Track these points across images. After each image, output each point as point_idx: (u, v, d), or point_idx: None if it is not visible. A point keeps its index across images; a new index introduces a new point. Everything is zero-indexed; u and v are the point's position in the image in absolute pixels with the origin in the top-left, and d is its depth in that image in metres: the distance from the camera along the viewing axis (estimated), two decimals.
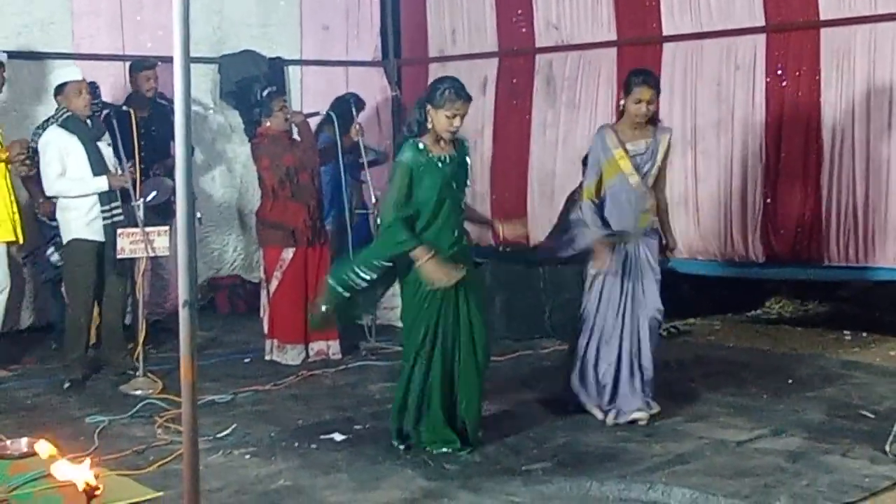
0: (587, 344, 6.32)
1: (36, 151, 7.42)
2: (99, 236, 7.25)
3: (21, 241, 7.51)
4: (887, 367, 7.63)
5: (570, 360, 6.43)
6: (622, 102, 6.28)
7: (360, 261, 5.62)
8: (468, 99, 5.60)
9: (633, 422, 6.17)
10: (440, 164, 5.57)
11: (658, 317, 6.29)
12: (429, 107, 5.55)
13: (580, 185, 8.10)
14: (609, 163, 6.21)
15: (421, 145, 5.56)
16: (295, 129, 8.23)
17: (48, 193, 7.37)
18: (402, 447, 5.71)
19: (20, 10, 8.86)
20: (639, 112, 6.15)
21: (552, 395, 6.73)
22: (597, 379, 6.30)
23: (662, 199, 6.45)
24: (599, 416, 6.25)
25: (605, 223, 6.23)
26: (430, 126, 5.57)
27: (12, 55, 8.61)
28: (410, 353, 5.69)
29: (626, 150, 6.19)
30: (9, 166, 7.42)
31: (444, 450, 5.65)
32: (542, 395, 6.83)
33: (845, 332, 8.77)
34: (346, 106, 9.05)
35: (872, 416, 6.25)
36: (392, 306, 9.24)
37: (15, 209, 7.39)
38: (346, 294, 5.60)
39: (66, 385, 7.20)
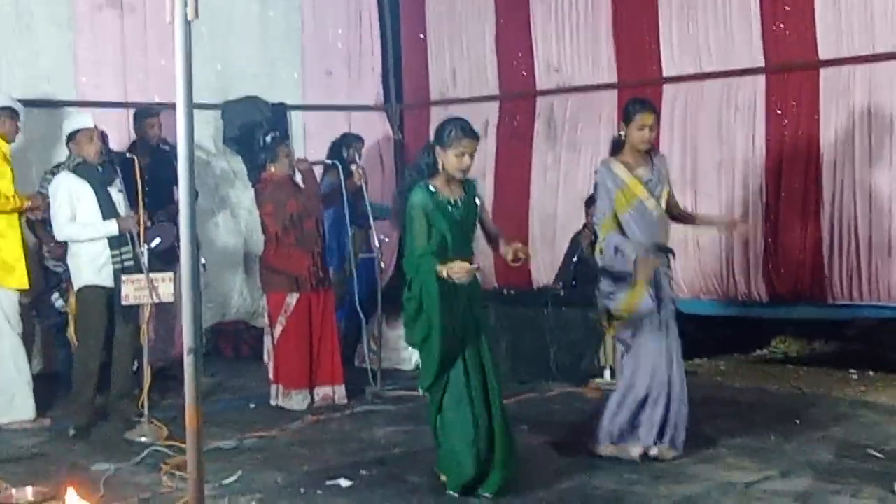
0: (645, 384, 6.27)
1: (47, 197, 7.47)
2: (109, 282, 7.27)
3: (29, 287, 7.53)
4: (895, 405, 7.60)
5: (620, 400, 6.35)
6: (622, 133, 6.30)
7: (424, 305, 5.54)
8: (476, 137, 5.64)
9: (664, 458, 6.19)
10: (450, 207, 5.58)
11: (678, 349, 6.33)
12: (437, 148, 5.57)
13: (584, 227, 8.13)
14: (623, 192, 6.22)
15: (431, 188, 5.57)
16: (299, 176, 8.25)
17: (58, 238, 7.41)
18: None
19: (25, 60, 8.91)
20: (643, 138, 6.19)
21: (559, 438, 6.71)
22: (650, 416, 6.25)
23: (682, 211, 6.54)
24: (636, 453, 6.21)
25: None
26: (440, 167, 5.59)
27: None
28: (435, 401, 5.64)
29: (637, 177, 6.22)
30: (21, 216, 7.46)
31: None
32: (549, 437, 6.80)
33: (852, 371, 8.75)
34: (337, 149, 9.16)
35: (881, 455, 6.22)
36: (397, 349, 9.28)
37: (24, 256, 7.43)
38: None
39: (72, 432, 7.18)
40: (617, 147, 6.37)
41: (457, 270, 5.36)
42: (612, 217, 6.27)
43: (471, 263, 5.66)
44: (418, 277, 5.51)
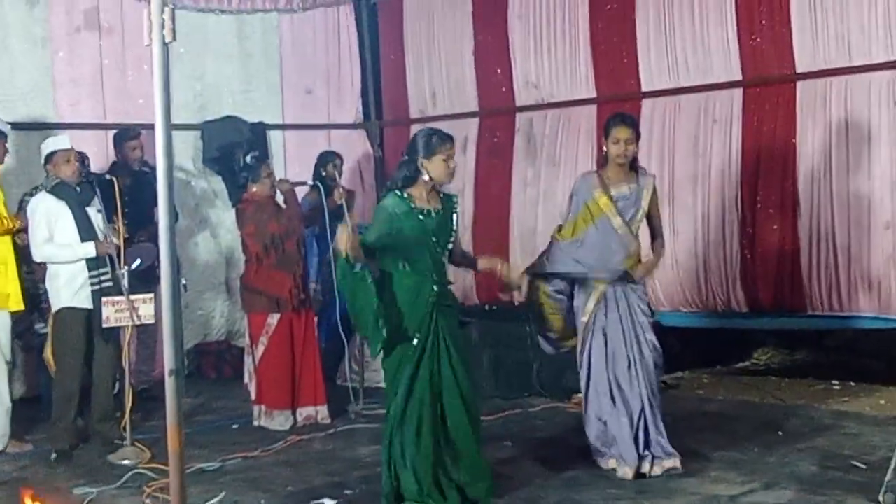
0: (602, 398, 6.31)
1: None
2: (87, 304, 7.24)
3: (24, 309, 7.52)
4: (877, 416, 7.64)
5: (585, 417, 6.41)
6: (605, 149, 6.36)
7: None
8: (452, 139, 5.73)
9: (668, 470, 6.20)
10: (421, 217, 5.61)
11: (658, 362, 6.35)
12: (421, 159, 5.58)
13: (558, 228, 8.14)
14: (590, 205, 6.31)
15: (405, 195, 5.60)
16: (280, 196, 8.25)
17: (36, 259, 7.39)
18: None
19: (2, 80, 8.91)
20: (618, 152, 6.25)
21: (543, 454, 6.71)
22: (618, 432, 6.26)
23: (660, 240, 6.53)
24: (623, 471, 6.21)
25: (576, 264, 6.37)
26: (425, 178, 5.60)
27: None
28: (396, 413, 5.63)
29: (609, 195, 6.25)
30: (15, 237, 7.45)
31: None
32: (533, 453, 6.80)
33: (833, 382, 8.78)
34: (316, 170, 9.20)
35: (864, 466, 6.24)
36: (378, 369, 9.26)
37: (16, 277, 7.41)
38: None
39: (54, 456, 7.14)
40: (602, 162, 6.43)
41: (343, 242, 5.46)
42: (572, 225, 6.38)
43: (444, 277, 5.67)
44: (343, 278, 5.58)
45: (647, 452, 6.24)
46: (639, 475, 6.18)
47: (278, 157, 10.47)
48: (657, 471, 6.20)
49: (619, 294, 6.32)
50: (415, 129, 10.60)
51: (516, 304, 9.62)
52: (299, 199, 8.64)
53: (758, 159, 8.48)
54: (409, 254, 5.58)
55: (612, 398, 6.29)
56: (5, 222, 7.34)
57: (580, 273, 6.37)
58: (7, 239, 7.37)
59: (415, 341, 5.57)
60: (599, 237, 6.30)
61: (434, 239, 5.66)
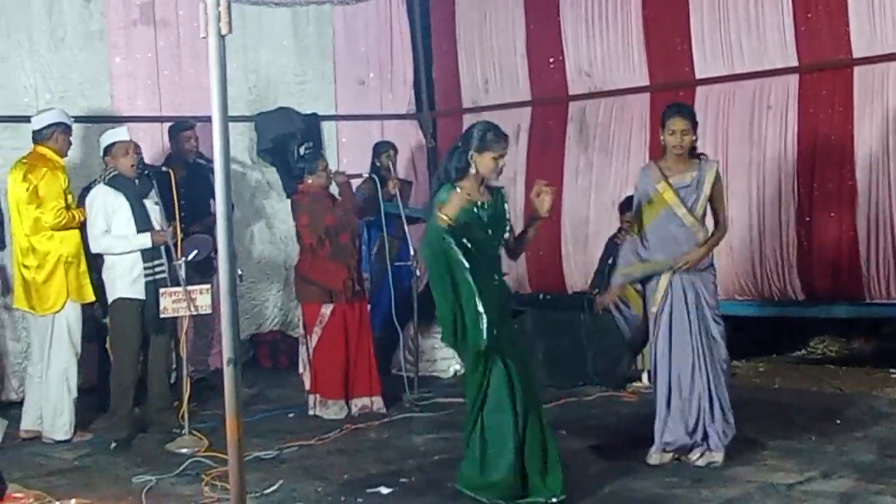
0: (668, 389, 6.29)
1: None
2: (142, 294, 7.33)
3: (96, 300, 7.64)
4: None
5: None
6: (662, 139, 6.33)
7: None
8: (507, 138, 5.69)
9: (710, 463, 6.17)
10: (475, 209, 5.59)
11: (723, 355, 6.30)
12: (472, 153, 5.58)
13: (619, 230, 8.16)
14: (654, 197, 6.28)
15: (458, 188, 5.58)
16: (335, 189, 8.29)
17: (93, 250, 7.47)
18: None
19: (60, 74, 9.02)
20: (674, 143, 6.22)
21: (599, 442, 6.70)
22: (684, 422, 6.24)
23: (719, 228, 6.45)
24: (656, 457, 6.22)
25: (640, 258, 6.35)
26: (472, 171, 5.59)
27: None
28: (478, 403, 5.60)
29: (669, 184, 6.23)
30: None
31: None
32: (589, 442, 6.79)
33: (892, 370, 8.68)
34: (372, 161, 9.29)
35: None
36: (433, 359, 9.30)
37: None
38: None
39: (113, 445, 7.24)
40: (663, 152, 6.40)
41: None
42: (638, 220, 6.38)
43: (503, 282, 5.69)
44: (438, 247, 5.48)
45: (703, 443, 6.22)
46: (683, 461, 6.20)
47: (331, 147, 10.51)
48: (701, 462, 6.17)
49: (686, 284, 6.26)
50: (467, 118, 10.65)
51: (570, 292, 9.64)
52: (354, 191, 8.69)
53: (814, 146, 8.40)
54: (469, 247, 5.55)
55: (670, 388, 6.26)
56: (76, 216, 7.44)
57: (649, 269, 6.33)
58: (77, 232, 7.48)
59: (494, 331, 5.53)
60: (665, 228, 6.27)
61: (490, 231, 5.65)
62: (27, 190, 7.38)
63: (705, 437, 6.22)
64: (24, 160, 7.54)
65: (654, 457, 6.24)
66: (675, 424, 6.22)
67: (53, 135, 7.54)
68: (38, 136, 7.54)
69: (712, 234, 6.39)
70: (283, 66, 10.36)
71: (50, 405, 7.44)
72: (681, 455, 6.24)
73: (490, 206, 5.66)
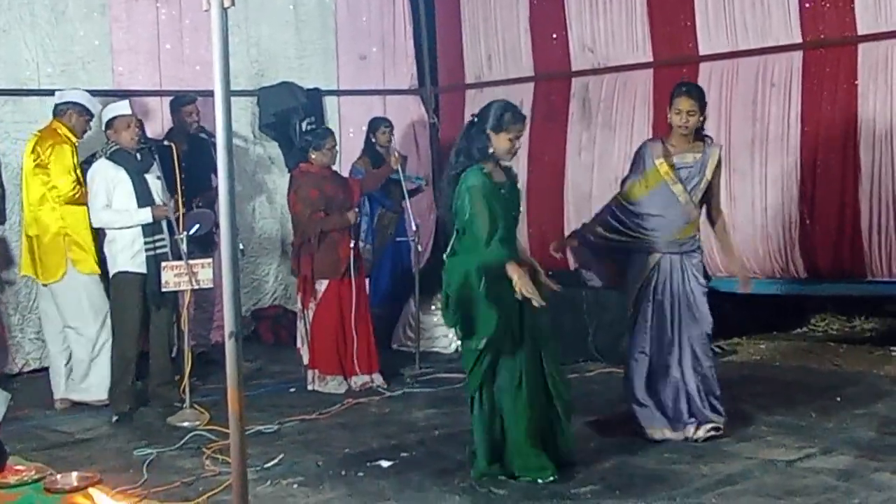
0: (646, 366, 6.32)
1: None
2: (143, 269, 7.33)
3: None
4: None
5: (627, 384, 6.43)
6: (669, 116, 6.31)
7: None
8: (525, 119, 5.70)
9: (709, 430, 6.20)
10: (501, 191, 5.58)
11: (707, 331, 6.31)
12: (488, 132, 5.55)
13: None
14: (650, 172, 6.30)
15: (486, 170, 5.55)
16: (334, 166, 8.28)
17: (94, 224, 7.49)
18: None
19: (61, 48, 8.99)
20: (680, 123, 6.22)
21: (599, 418, 6.72)
22: (660, 400, 6.29)
23: (720, 218, 6.49)
24: (668, 435, 6.23)
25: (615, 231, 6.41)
26: (490, 151, 5.57)
27: (53, 93, 8.76)
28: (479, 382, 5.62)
29: (671, 163, 6.23)
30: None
31: (537, 478, 5.57)
32: (589, 417, 6.80)
33: (892, 348, 8.68)
34: (367, 136, 9.44)
35: None
36: (433, 336, 9.30)
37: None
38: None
39: (114, 418, 7.26)
40: (671, 129, 6.39)
41: (527, 290, 5.40)
42: (632, 187, 6.40)
43: (518, 249, 5.69)
44: (480, 261, 5.45)
45: (692, 419, 6.24)
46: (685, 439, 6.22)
47: (333, 122, 10.49)
48: (700, 434, 6.19)
49: (674, 263, 6.29)
50: (470, 94, 10.64)
51: (572, 268, 9.63)
52: (350, 167, 8.70)
53: (817, 123, 8.38)
54: (498, 230, 5.53)
55: (651, 365, 6.29)
56: (85, 192, 7.48)
57: (636, 240, 6.34)
58: (83, 208, 7.54)
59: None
60: (658, 204, 6.27)
61: (512, 213, 5.65)
62: (34, 161, 7.56)
63: (692, 413, 6.25)
64: (39, 132, 7.72)
65: (659, 431, 6.27)
66: (656, 400, 6.28)
67: (67, 112, 7.69)
68: (55, 111, 7.73)
69: (720, 229, 6.42)
70: (284, 40, 10.32)
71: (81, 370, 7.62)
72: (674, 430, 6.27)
73: (507, 188, 5.65)
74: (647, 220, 6.32)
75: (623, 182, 6.56)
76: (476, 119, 5.65)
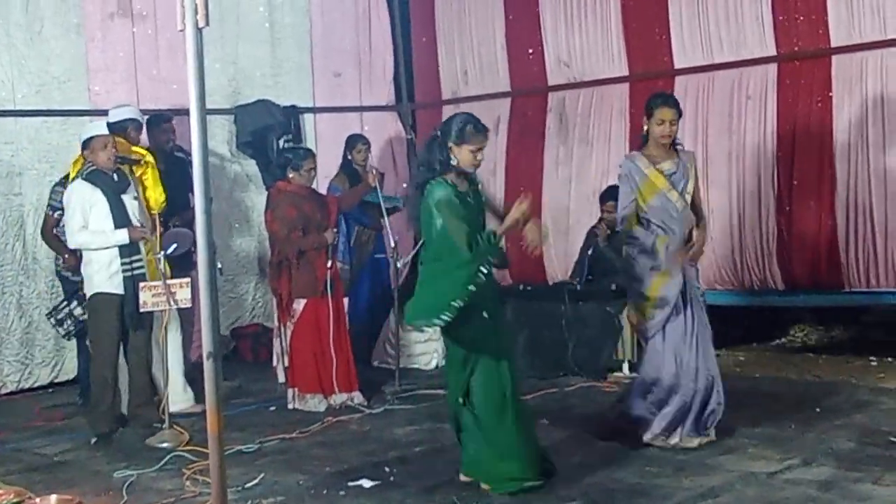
0: (668, 374, 6.34)
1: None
2: (121, 290, 7.29)
3: None
4: None
5: (639, 389, 6.45)
6: (645, 128, 6.36)
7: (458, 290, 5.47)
8: (487, 131, 5.70)
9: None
10: (468, 199, 5.63)
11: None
12: (450, 144, 5.58)
13: (599, 220, 8.19)
14: (646, 184, 6.31)
15: (449, 181, 5.58)
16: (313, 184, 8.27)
17: (70, 245, 7.46)
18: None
19: (38, 68, 8.97)
20: (663, 132, 6.28)
21: (579, 432, 6.72)
22: (677, 406, 6.32)
23: (702, 216, 6.54)
24: (659, 443, 6.30)
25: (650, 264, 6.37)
26: (453, 163, 5.59)
27: (29, 113, 8.76)
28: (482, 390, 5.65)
29: (658, 170, 6.28)
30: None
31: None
32: (569, 431, 6.80)
33: (871, 358, 8.72)
34: (344, 154, 9.39)
35: None
36: (413, 353, 9.29)
37: None
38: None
39: (93, 440, 7.21)
40: (643, 142, 6.42)
41: (524, 223, 5.52)
42: (633, 214, 6.38)
43: (491, 270, 5.69)
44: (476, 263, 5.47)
45: (693, 425, 6.32)
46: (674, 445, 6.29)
47: (309, 140, 10.49)
48: (694, 444, 6.26)
49: (685, 270, 6.35)
50: (447, 110, 10.65)
51: (551, 283, 9.64)
52: (327, 185, 8.69)
53: (793, 135, 8.43)
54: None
55: (675, 374, 6.32)
56: None
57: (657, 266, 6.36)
58: None
59: (485, 314, 5.58)
60: (661, 212, 6.31)
61: (480, 219, 5.68)
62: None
63: (696, 419, 6.31)
64: None
65: (658, 439, 6.33)
66: (671, 407, 6.30)
67: (127, 129, 8.00)
68: (114, 129, 7.81)
69: (700, 226, 6.46)
70: (259, 58, 10.33)
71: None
72: (670, 436, 6.32)
73: (472, 196, 5.68)
74: (661, 227, 6.34)
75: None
76: (439, 132, 5.68)
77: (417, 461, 6.38)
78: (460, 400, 5.68)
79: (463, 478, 5.80)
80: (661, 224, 6.32)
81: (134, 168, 7.59)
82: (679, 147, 6.47)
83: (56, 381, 9.07)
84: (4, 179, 8.81)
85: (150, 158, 7.71)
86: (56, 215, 7.97)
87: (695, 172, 6.44)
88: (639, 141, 6.52)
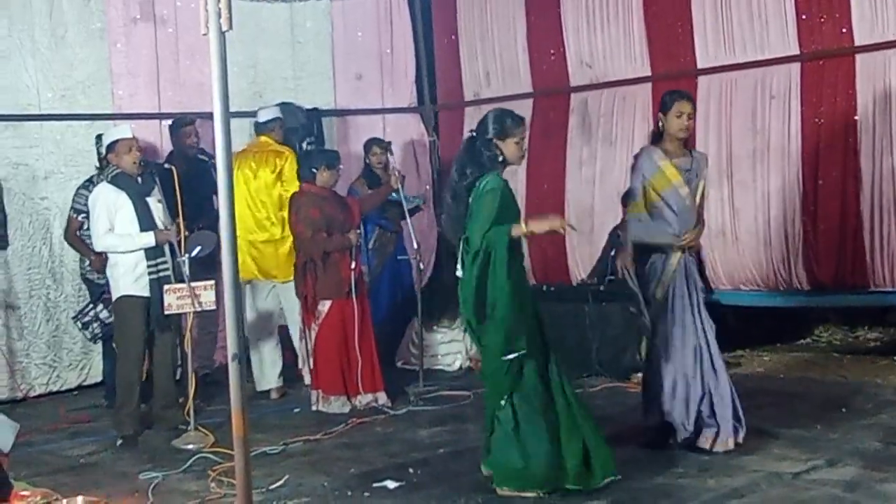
0: (679, 371, 6.32)
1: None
2: (146, 292, 7.32)
3: None
4: None
5: (654, 391, 6.42)
6: (660, 124, 6.34)
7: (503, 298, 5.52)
8: (524, 120, 5.81)
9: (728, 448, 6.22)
10: (514, 194, 5.74)
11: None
12: (495, 140, 5.61)
13: (622, 221, 8.17)
14: (659, 176, 6.30)
15: (501, 176, 5.65)
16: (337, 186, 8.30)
17: (96, 249, 7.50)
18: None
19: (62, 72, 9.02)
20: (681, 126, 6.27)
21: (604, 433, 6.70)
22: (687, 406, 6.29)
23: (701, 219, 6.51)
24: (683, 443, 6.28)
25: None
26: (500, 159, 5.64)
27: (54, 117, 8.81)
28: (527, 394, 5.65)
29: (673, 164, 6.29)
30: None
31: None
32: None
33: None
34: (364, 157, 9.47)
35: None
36: (437, 354, 9.30)
37: None
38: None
39: (119, 442, 7.25)
40: (656, 138, 6.41)
41: (545, 226, 5.59)
42: (640, 201, 6.36)
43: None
44: (487, 248, 5.49)
45: (712, 426, 6.25)
46: (699, 448, 6.23)
47: (330, 142, 10.49)
48: (717, 447, 6.20)
49: (688, 266, 6.33)
50: (469, 111, 10.65)
51: (574, 284, 9.63)
52: (348, 187, 8.71)
53: (817, 135, 8.39)
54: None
55: (685, 372, 6.30)
56: None
57: (666, 240, 6.33)
58: None
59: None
60: (672, 205, 6.31)
61: (518, 220, 5.72)
62: (273, 171, 8.56)
63: (714, 421, 6.25)
64: (255, 150, 8.72)
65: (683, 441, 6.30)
66: (681, 407, 6.26)
67: (275, 128, 8.85)
68: (262, 128, 8.87)
69: (700, 224, 6.45)
70: (281, 61, 10.34)
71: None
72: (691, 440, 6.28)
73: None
74: (666, 223, 6.33)
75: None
76: (475, 133, 5.71)
77: (441, 463, 6.39)
78: (502, 402, 5.63)
79: (485, 471, 5.79)
80: (670, 216, 6.31)
81: (276, 160, 8.30)
82: (692, 147, 6.46)
83: (83, 384, 9.11)
84: (30, 183, 8.86)
85: (289, 154, 8.54)
86: (80, 218, 8.03)
87: (705, 175, 6.43)
88: (655, 137, 6.49)
